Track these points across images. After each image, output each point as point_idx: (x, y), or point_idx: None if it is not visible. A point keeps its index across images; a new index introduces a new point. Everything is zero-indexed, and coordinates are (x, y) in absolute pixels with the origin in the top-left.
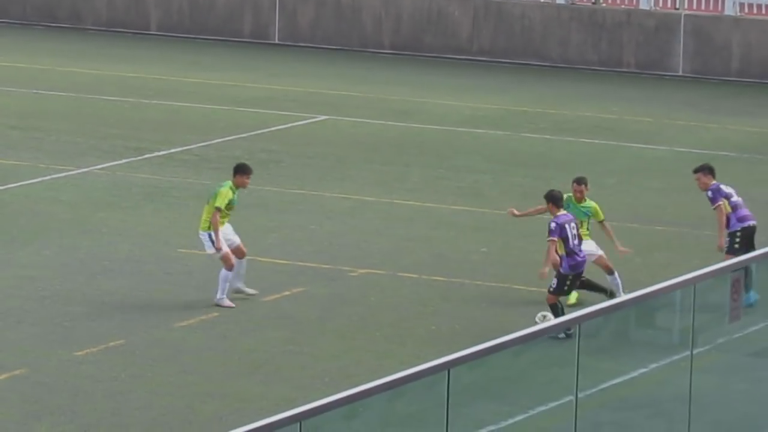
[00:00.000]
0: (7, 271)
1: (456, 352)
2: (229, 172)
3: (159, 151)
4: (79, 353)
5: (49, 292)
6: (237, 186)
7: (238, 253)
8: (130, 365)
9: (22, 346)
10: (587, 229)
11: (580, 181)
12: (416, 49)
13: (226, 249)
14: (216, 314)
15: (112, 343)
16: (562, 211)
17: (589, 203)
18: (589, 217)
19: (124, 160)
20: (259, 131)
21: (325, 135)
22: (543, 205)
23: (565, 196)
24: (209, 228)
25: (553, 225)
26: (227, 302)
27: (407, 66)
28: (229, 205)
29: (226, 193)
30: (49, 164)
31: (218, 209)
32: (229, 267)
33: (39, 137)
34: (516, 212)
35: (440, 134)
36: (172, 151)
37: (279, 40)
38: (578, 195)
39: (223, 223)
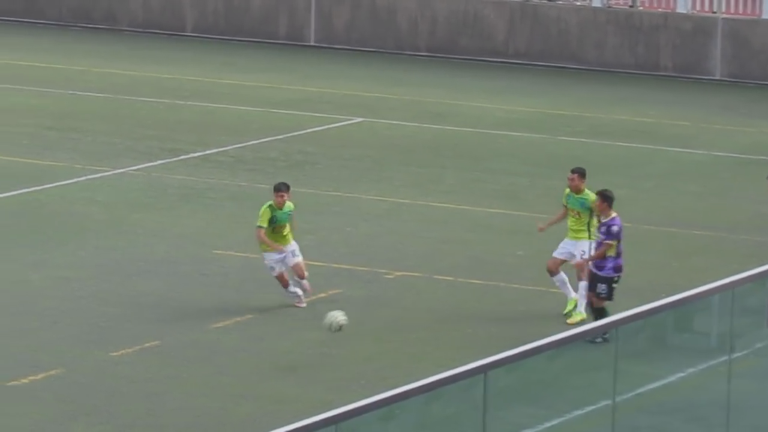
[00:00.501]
0: (43, 271)
1: (492, 355)
2: (265, 174)
3: (194, 152)
4: (115, 354)
5: (85, 293)
6: (276, 204)
7: (298, 271)
8: (165, 366)
9: (58, 347)
10: (585, 225)
11: (575, 171)
12: (452, 51)
13: (278, 270)
14: (251, 316)
15: (147, 344)
16: (614, 212)
17: (588, 194)
18: (588, 210)
19: (159, 161)
20: (295, 133)
21: (361, 137)
22: (562, 210)
23: (566, 191)
24: (262, 249)
25: (616, 228)
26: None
27: (443, 68)
28: (275, 223)
29: (264, 212)
30: (85, 165)
31: (259, 228)
32: (284, 285)
33: (75, 138)
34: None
35: (476, 137)
36: (208, 152)
37: (314, 42)
38: (572, 184)
39: (286, 241)
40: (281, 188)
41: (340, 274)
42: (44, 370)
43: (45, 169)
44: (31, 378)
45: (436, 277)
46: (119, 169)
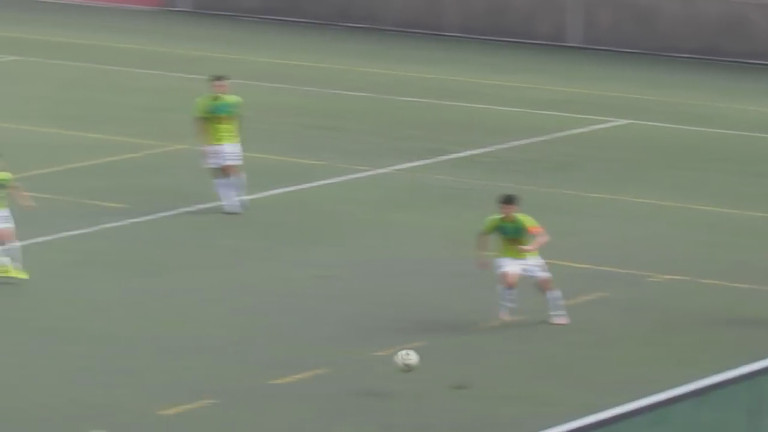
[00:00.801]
0: (305, 270)
1: (761, 360)
2: (527, 175)
3: (456, 152)
4: (379, 353)
5: (348, 292)
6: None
7: (544, 285)
8: (430, 366)
9: (321, 346)
10: None
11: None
12: (716, 53)
13: (506, 269)
14: (518, 317)
15: (413, 344)
16: None
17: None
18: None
19: (421, 161)
20: (557, 134)
21: (625, 139)
22: None
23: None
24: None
25: None
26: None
27: (706, 70)
28: (502, 234)
29: (488, 221)
30: (348, 164)
31: (481, 234)
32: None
33: (337, 137)
34: None
35: (741, 140)
36: (470, 153)
37: (576, 42)
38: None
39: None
40: (503, 201)
41: (603, 277)
42: (308, 369)
43: (307, 168)
44: (294, 377)
45: (701, 280)
46: (381, 168)
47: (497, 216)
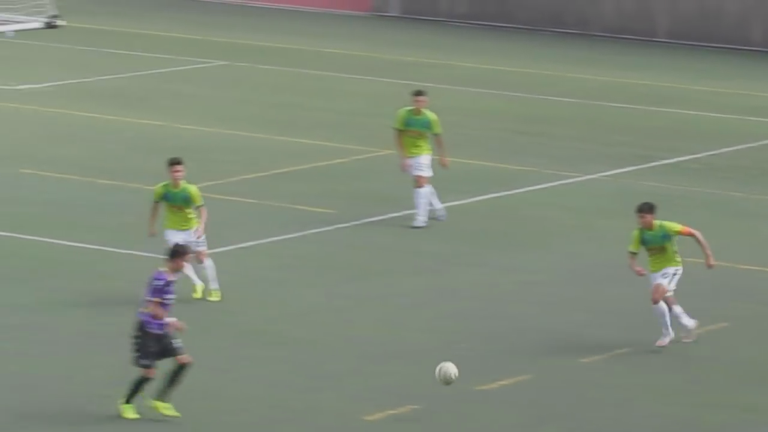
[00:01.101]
0: (511, 276)
1: None
2: (737, 182)
3: (665, 159)
4: (585, 360)
5: (554, 298)
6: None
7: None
8: (635, 373)
9: (527, 352)
10: None
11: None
12: None
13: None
14: (725, 324)
15: (617, 351)
16: None
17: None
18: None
19: (629, 168)
20: None
21: None
22: None
23: None
24: None
25: None
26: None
27: None
28: (645, 245)
29: (632, 236)
30: (555, 170)
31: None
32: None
33: (545, 143)
34: None
35: None
36: (679, 159)
37: None
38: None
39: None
40: (643, 209)
41: None
42: (514, 375)
43: (515, 173)
44: (500, 383)
45: None
46: (589, 174)
47: (638, 228)
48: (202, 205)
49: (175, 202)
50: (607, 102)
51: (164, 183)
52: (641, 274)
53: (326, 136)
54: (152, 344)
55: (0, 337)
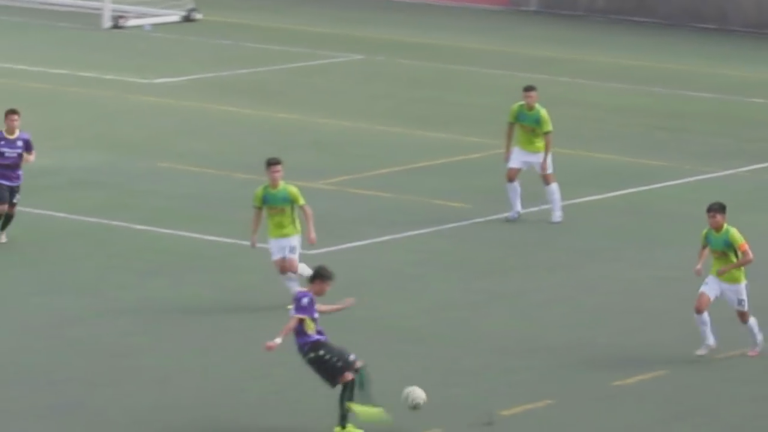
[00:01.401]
0: (646, 270)
1: None
2: None
3: None
4: (720, 356)
5: (689, 294)
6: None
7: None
8: None
9: (663, 347)
10: None
11: None
12: None
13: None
14: None
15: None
16: None
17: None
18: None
19: None
20: None
21: None
22: None
23: None
24: None
25: None
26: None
27: None
28: (710, 246)
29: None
30: (694, 166)
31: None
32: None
33: (684, 138)
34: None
35: None
36: None
37: None
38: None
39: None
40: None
41: None
42: (651, 370)
43: (654, 169)
44: (637, 378)
45: None
46: (728, 170)
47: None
48: (305, 204)
49: (276, 203)
50: (745, 97)
51: (264, 185)
52: (697, 273)
53: (463, 131)
54: (327, 355)
55: (135, 331)
